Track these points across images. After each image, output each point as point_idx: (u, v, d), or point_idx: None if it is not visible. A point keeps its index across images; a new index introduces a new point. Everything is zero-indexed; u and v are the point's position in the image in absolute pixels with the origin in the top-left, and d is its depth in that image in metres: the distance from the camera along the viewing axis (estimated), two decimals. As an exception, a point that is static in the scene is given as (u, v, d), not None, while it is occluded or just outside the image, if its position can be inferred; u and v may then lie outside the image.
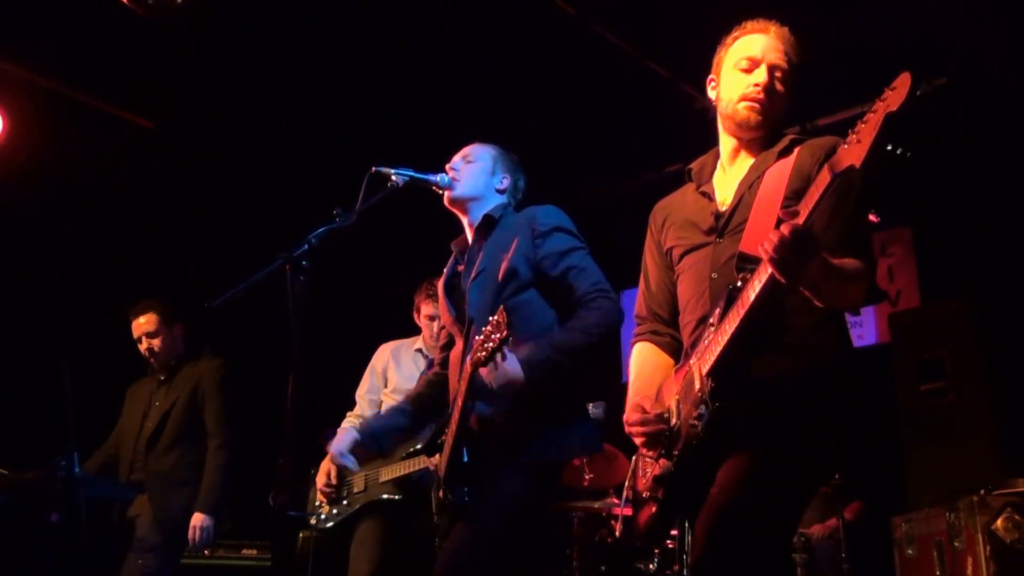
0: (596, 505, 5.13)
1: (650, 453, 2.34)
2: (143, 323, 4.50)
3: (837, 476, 4.93)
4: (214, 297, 2.38)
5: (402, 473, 3.80)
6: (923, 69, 5.06)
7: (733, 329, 2.08)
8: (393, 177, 2.76)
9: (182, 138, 5.79)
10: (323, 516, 4.04)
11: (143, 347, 4.51)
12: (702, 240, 2.38)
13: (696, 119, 5.66)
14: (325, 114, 5.74)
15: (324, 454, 4.15)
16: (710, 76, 2.50)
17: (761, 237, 1.99)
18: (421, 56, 5.25)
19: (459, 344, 2.81)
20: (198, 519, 4.12)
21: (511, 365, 2.48)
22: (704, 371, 2.15)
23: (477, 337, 2.50)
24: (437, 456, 2.72)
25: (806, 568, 4.56)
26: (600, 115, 5.77)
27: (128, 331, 4.56)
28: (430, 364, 4.08)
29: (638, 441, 2.35)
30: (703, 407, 2.13)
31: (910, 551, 4.51)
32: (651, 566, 5.14)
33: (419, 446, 3.72)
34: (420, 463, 3.73)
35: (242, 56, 5.24)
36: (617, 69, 5.30)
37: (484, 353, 2.45)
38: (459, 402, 2.57)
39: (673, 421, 2.26)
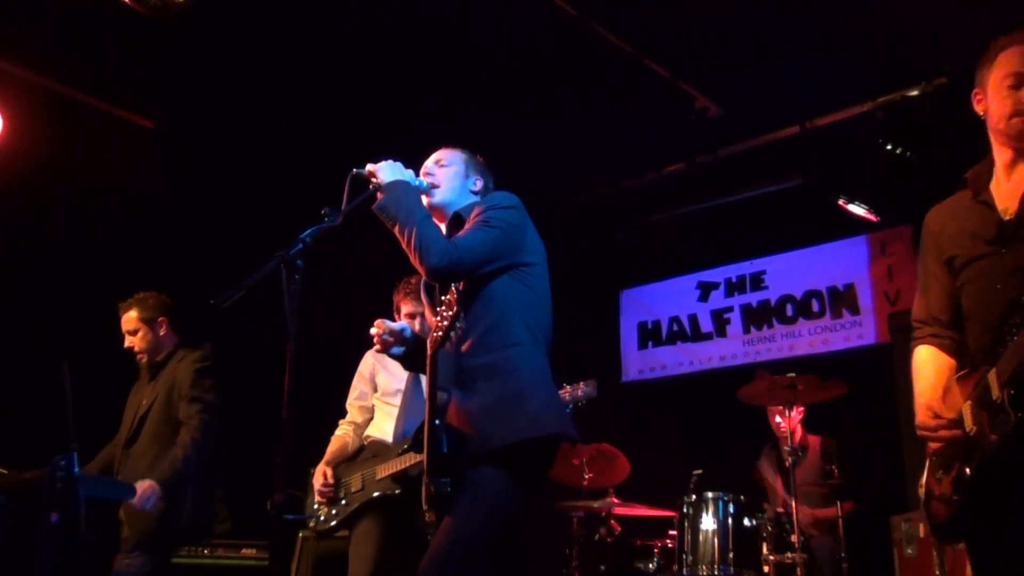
0: (596, 505, 5.13)
1: (944, 455, 2.39)
2: (125, 320, 4.48)
3: (837, 474, 4.95)
4: (217, 296, 2.37)
5: (399, 468, 3.79)
6: (923, 69, 5.06)
7: None
8: (374, 178, 2.78)
9: (182, 138, 5.80)
10: (322, 518, 4.03)
11: (126, 344, 4.49)
12: (985, 250, 2.43)
13: (696, 119, 5.68)
14: (325, 113, 5.75)
15: (322, 454, 4.17)
16: (976, 90, 2.58)
17: None
18: (421, 56, 5.25)
19: None
20: (147, 483, 4.00)
21: None
22: (1003, 380, 2.19)
23: (433, 319, 2.54)
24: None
25: (806, 568, 4.56)
26: (600, 115, 5.77)
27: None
28: None
29: (932, 446, 2.42)
30: (1002, 417, 2.16)
31: (910, 551, 4.51)
32: (651, 566, 5.15)
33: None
34: (417, 457, 3.73)
35: (242, 56, 5.24)
36: (617, 69, 5.30)
37: (440, 332, 2.49)
38: (427, 387, 2.58)
39: (968, 427, 2.30)
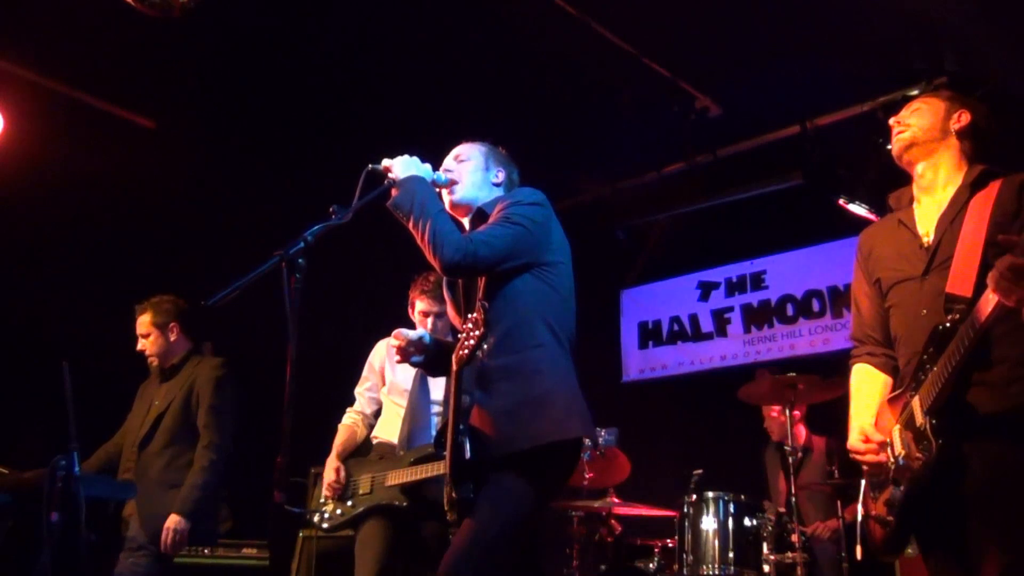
0: (596, 504, 5.13)
1: (875, 477, 2.49)
2: (138, 323, 4.51)
3: (837, 475, 4.94)
4: (211, 296, 2.36)
5: (409, 480, 3.76)
6: (923, 69, 5.06)
7: (951, 368, 2.19)
8: (389, 174, 2.75)
9: (182, 138, 5.79)
10: (327, 515, 3.99)
11: (138, 347, 4.52)
12: (908, 275, 2.49)
13: (696, 119, 5.69)
14: (326, 112, 5.74)
15: (323, 453, 4.16)
16: None
17: (967, 276, 2.12)
18: (422, 55, 5.25)
19: None
20: (172, 521, 4.04)
21: None
22: (924, 408, 2.27)
23: (460, 335, 2.52)
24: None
25: (806, 568, 4.56)
26: (600, 115, 5.77)
27: (129, 330, 4.55)
28: None
29: (863, 468, 2.51)
30: (925, 443, 2.25)
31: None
32: (651, 566, 5.15)
33: (430, 451, 3.72)
34: (428, 470, 3.69)
35: (242, 56, 5.24)
36: (617, 69, 5.30)
37: (466, 351, 2.46)
38: (451, 400, 2.55)
39: (897, 451, 2.37)
